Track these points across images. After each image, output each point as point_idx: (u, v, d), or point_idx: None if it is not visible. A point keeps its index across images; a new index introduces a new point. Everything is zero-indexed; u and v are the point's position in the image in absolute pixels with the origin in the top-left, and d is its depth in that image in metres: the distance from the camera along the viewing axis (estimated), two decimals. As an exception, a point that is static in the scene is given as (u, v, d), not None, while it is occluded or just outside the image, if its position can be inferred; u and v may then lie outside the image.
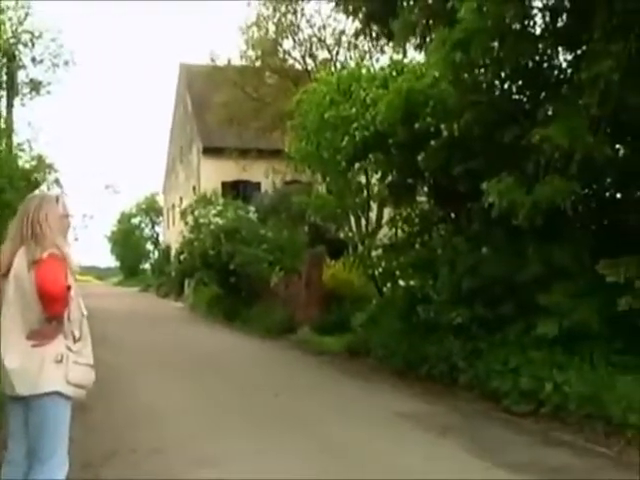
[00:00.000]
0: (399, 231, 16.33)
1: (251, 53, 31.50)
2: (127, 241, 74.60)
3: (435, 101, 13.04)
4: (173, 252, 42.74)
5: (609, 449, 9.17)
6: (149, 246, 74.64)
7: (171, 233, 50.77)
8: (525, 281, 11.89)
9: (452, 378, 13.00)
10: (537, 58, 12.57)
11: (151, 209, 73.30)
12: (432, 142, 13.56)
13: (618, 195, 12.72)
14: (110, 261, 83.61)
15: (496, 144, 12.73)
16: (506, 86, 13.21)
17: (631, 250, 10.42)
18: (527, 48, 12.02)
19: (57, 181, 18.10)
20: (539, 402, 10.83)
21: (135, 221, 75.71)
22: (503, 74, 12.84)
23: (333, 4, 20.59)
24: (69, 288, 5.06)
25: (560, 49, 12.64)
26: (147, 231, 75.65)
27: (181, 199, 47.53)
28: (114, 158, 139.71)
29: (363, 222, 18.78)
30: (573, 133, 10.53)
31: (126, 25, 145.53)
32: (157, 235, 73.36)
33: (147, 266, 72.03)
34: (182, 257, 30.98)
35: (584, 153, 10.60)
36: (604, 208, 12.52)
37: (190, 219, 30.18)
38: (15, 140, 17.04)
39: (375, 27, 17.95)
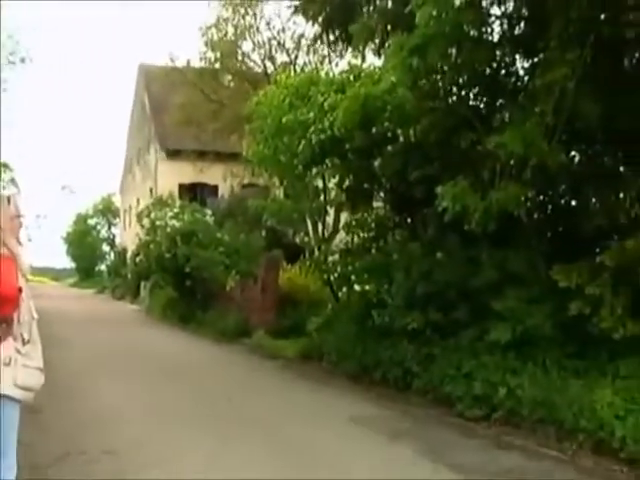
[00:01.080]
0: (355, 236, 16.34)
1: (210, 55, 31.33)
2: (83, 242, 73.82)
3: (392, 106, 13.08)
4: (129, 254, 42.39)
5: (562, 453, 9.27)
6: (105, 248, 73.89)
7: (128, 235, 50.36)
8: (479, 286, 11.98)
9: (406, 383, 13.04)
10: (494, 65, 12.68)
11: (108, 210, 72.58)
12: (389, 147, 13.64)
13: (573, 202, 12.86)
14: (66, 262, 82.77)
15: (452, 150, 12.83)
16: (463, 92, 13.30)
17: (584, 256, 10.55)
18: (485, 55, 12.11)
19: (12, 180, 17.82)
20: (492, 407, 10.91)
21: (91, 222, 74.94)
22: (460, 80, 12.91)
23: (293, 8, 20.58)
24: (20, 290, 4.97)
25: (517, 56, 12.77)
26: (103, 232, 74.91)
27: (138, 200, 47.15)
28: (71, 158, 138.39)
29: (320, 227, 18.79)
30: (528, 140, 10.61)
31: (88, 25, 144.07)
32: (113, 237, 72.65)
33: (103, 268, 71.32)
34: (138, 259, 30.75)
35: (538, 160, 10.70)
36: (559, 215, 12.65)
37: (146, 221, 29.94)
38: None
39: (334, 32, 17.91)
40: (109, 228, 74.44)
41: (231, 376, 15.62)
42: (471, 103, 13.35)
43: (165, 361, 17.34)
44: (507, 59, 12.75)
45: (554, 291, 10.76)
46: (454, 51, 12.13)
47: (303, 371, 16.02)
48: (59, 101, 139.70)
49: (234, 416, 11.17)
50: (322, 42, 20.31)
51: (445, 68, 12.41)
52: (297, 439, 9.73)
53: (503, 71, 12.83)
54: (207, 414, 11.26)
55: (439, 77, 12.76)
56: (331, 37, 18.69)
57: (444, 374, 12.03)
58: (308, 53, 30.36)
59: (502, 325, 11.30)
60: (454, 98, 13.21)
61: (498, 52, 12.59)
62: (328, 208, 18.28)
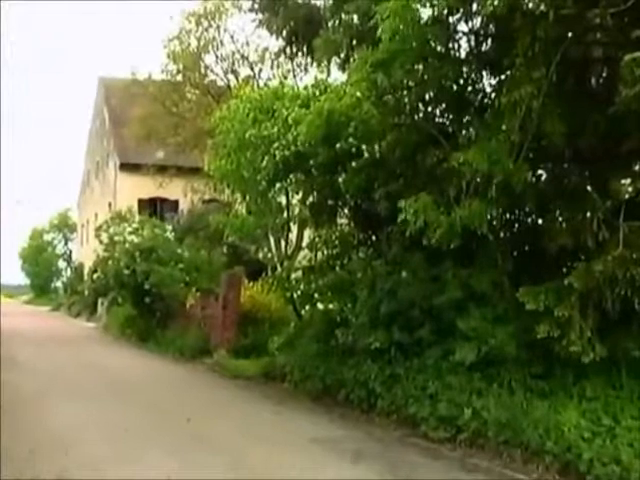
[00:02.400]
0: (319, 253, 16.32)
1: (172, 67, 31.25)
2: (38, 258, 73.03)
3: (357, 122, 13.08)
4: (87, 270, 41.92)
5: (527, 475, 9.28)
6: (61, 264, 73.21)
7: (85, 250, 49.88)
8: (443, 305, 11.99)
9: (370, 403, 13.00)
10: (461, 82, 12.71)
11: (64, 225, 71.93)
12: (353, 163, 13.61)
13: (539, 221, 12.94)
14: (21, 279, 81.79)
15: (417, 166, 12.86)
16: (429, 109, 13.31)
17: (550, 276, 10.59)
18: (451, 71, 12.13)
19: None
20: (457, 428, 10.92)
21: (47, 237, 74.18)
22: (426, 97, 12.92)
23: (257, 21, 20.59)
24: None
25: (484, 73, 12.81)
26: (60, 248, 74.23)
27: (96, 215, 46.77)
28: (26, 171, 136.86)
29: (283, 243, 18.73)
30: (493, 157, 10.64)
31: (45, 36, 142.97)
32: (70, 252, 71.98)
33: (59, 284, 70.60)
34: (96, 276, 30.44)
35: (503, 178, 10.73)
36: (525, 234, 12.71)
37: (105, 236, 29.68)
38: None
39: (298, 46, 17.94)
40: (65, 243, 73.83)
41: (191, 396, 15.45)
42: (437, 120, 13.38)
43: (123, 381, 17.13)
44: (474, 76, 12.80)
45: (519, 311, 10.79)
46: (420, 67, 12.17)
47: (264, 391, 15.92)
48: (14, 112, 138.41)
49: (193, 437, 11.03)
50: (286, 56, 20.37)
51: (411, 84, 12.43)
52: (257, 461, 9.64)
53: (470, 88, 12.88)
54: (166, 435, 11.13)
55: (404, 93, 12.78)
56: (295, 51, 18.76)
57: (408, 394, 12.02)
58: (272, 67, 30.42)
59: (467, 345, 11.32)
60: (420, 114, 13.24)
61: (465, 69, 12.64)
62: (291, 224, 18.25)
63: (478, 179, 10.97)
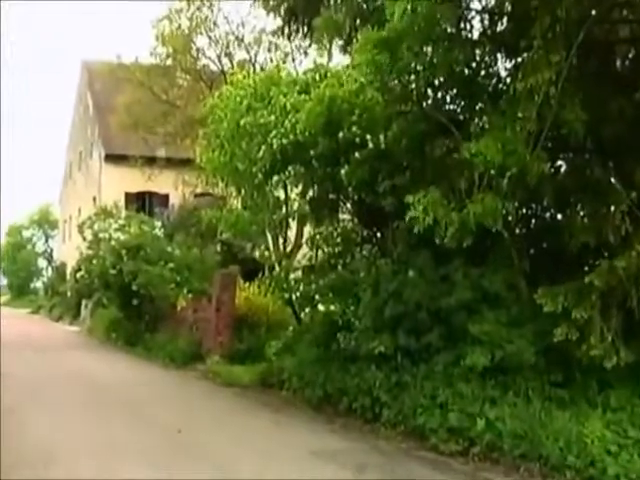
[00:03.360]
0: (319, 251, 16.31)
1: (161, 50, 31.17)
2: (16, 257, 73.03)
3: (360, 110, 13.07)
4: (69, 270, 41.94)
5: (546, 492, 9.27)
6: (42, 262, 73.24)
7: (67, 248, 49.91)
8: (453, 307, 11.98)
9: (374, 413, 12.98)
10: (473, 65, 12.70)
11: (45, 221, 71.97)
12: (356, 154, 13.56)
13: (558, 216, 12.91)
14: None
15: (425, 158, 12.85)
16: (439, 95, 13.32)
17: (570, 276, 10.55)
18: (463, 54, 12.11)
19: None
20: (470, 440, 10.89)
21: (26, 234, 74.20)
22: (436, 82, 12.93)
23: None
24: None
25: (499, 56, 12.78)
26: (40, 246, 74.28)
27: (79, 210, 46.79)
28: (4, 163, 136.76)
29: (281, 241, 18.69)
30: (508, 148, 10.65)
31: (24, 16, 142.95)
32: (51, 250, 72.07)
33: (39, 285, 70.63)
34: (79, 275, 30.45)
35: (519, 169, 10.72)
36: (542, 230, 12.70)
37: (89, 233, 29.69)
38: None
39: (297, 26, 17.93)
40: (46, 241, 73.91)
41: (182, 405, 15.45)
42: (447, 107, 13.40)
43: (108, 390, 17.11)
44: (487, 59, 12.79)
45: (536, 313, 10.79)
46: (429, 49, 12.15)
47: (261, 400, 15.92)
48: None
49: (184, 450, 11.03)
50: (284, 37, 20.33)
51: (419, 68, 12.41)
52: (252, 475, 9.63)
53: (483, 72, 12.87)
54: (154, 448, 11.11)
55: (412, 78, 12.77)
56: (294, 31, 18.73)
57: (416, 404, 12.00)
58: (269, 50, 30.42)
59: (479, 350, 11.31)
60: (428, 101, 13.24)
61: (477, 51, 12.63)
62: (290, 220, 18.18)
63: (492, 171, 10.96)
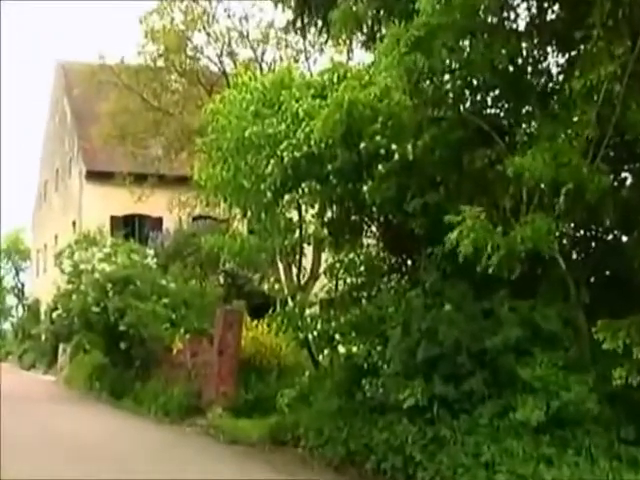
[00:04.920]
0: (340, 283, 16.39)
1: (151, 48, 31.48)
2: (-19, 293, 73.29)
3: (386, 116, 13.16)
4: (44, 308, 42.06)
5: None
6: (10, 300, 73.38)
7: (42, 283, 50.02)
8: (499, 348, 12.00)
9: (407, 474, 12.96)
10: (519, 61, 12.75)
11: (14, 251, 72.22)
12: (381, 168, 13.66)
13: (623, 238, 12.89)
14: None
15: (463, 171, 12.90)
16: (478, 97, 13.41)
17: (637, 308, 10.53)
18: (506, 48, 12.17)
19: None
20: (521, 506, 10.89)
21: (-7, 267, 74.50)
22: (475, 82, 13.03)
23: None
24: None
25: (549, 50, 12.82)
26: (9, 280, 74.44)
27: (56, 238, 46.99)
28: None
29: (294, 270, 18.80)
30: (561, 158, 10.68)
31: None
32: (22, 286, 72.18)
33: (7, 326, 70.78)
34: (56, 315, 30.44)
35: (576, 184, 10.73)
36: (604, 255, 12.69)
37: (67, 264, 29.76)
38: None
39: (311, 19, 18.10)
40: (16, 274, 74.01)
41: (177, 470, 15.41)
42: (488, 111, 13.47)
43: (89, 455, 16.84)
44: (536, 53, 12.83)
45: (600, 354, 10.79)
46: (466, 44, 12.25)
47: (271, 461, 15.90)
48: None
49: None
50: (295, 32, 20.52)
51: (454, 66, 12.53)
52: None
53: (530, 69, 12.93)
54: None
55: (446, 78, 12.88)
56: (307, 25, 18.89)
57: (457, 463, 11.98)
58: (278, 47, 30.64)
59: (531, 399, 11.31)
60: (466, 105, 13.33)
61: (524, 44, 12.67)
62: (305, 246, 18.31)
63: (543, 187, 11.00)
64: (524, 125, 12.74)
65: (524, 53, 12.71)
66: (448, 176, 13.23)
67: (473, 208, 11.10)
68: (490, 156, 12.32)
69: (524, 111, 13.02)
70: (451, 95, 13.04)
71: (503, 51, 12.11)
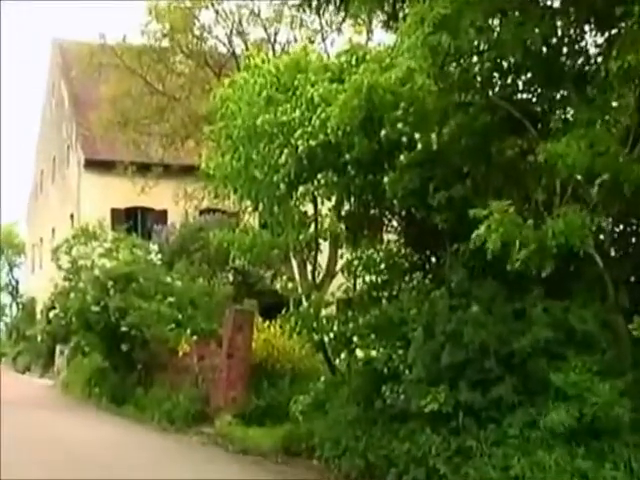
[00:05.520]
0: (358, 281, 16.40)
1: (155, 27, 31.45)
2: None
3: (408, 101, 13.18)
4: (40, 307, 42.15)
5: None
6: (4, 298, 73.59)
7: (38, 280, 50.18)
8: (529, 351, 12.00)
9: (431, 487, 13.02)
10: (554, 41, 12.70)
11: (8, 245, 72.42)
12: (403, 158, 13.67)
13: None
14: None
15: (492, 161, 12.90)
16: (508, 81, 13.39)
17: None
18: (539, 27, 12.12)
19: None
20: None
21: (-16, 262, 74.75)
22: (505, 64, 13.01)
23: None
24: None
25: (587, 28, 12.75)
26: (2, 276, 74.66)
27: (53, 231, 47.11)
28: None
29: (309, 268, 18.81)
30: (597, 147, 10.66)
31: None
32: (16, 282, 72.40)
33: (1, 327, 70.98)
34: (52, 314, 30.57)
35: (613, 174, 10.71)
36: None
37: (65, 260, 29.83)
38: None
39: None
40: (10, 270, 74.22)
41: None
42: (519, 96, 13.45)
43: (88, 466, 16.88)
44: (572, 32, 12.77)
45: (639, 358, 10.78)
46: (496, 23, 12.23)
47: (284, 472, 15.93)
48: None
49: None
50: (311, 11, 20.53)
51: (483, 47, 12.51)
52: None
53: (566, 50, 12.87)
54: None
55: (475, 60, 12.87)
56: (324, 3, 18.90)
57: (484, 476, 11.98)
58: (293, 27, 30.60)
59: (563, 407, 11.31)
60: (495, 89, 13.32)
61: (559, 23, 12.61)
62: (321, 242, 18.33)
63: (578, 178, 10.99)
64: (558, 111, 12.71)
65: (559, 32, 12.64)
66: (475, 167, 13.22)
67: (502, 202, 11.07)
68: (521, 145, 12.32)
69: (558, 96, 12.98)
70: (479, 79, 13.03)
71: (536, 30, 12.03)
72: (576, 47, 12.83)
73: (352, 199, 15.77)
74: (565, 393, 11.41)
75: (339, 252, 19.75)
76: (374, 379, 14.88)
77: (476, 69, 12.96)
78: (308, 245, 17.94)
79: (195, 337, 24.51)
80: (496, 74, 13.17)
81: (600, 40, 12.66)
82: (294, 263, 19.07)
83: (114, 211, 38.97)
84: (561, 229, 10.64)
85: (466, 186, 13.00)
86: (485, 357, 12.45)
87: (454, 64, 12.76)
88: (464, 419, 12.75)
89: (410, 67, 12.57)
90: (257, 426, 19.64)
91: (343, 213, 16.31)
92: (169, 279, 27.19)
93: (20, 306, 60.65)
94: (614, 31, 12.05)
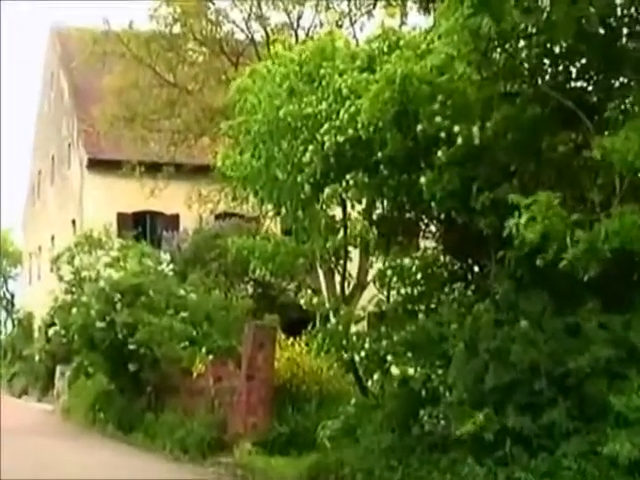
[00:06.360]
0: (392, 293, 16.39)
1: (165, 11, 31.51)
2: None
3: (446, 92, 13.19)
4: (38, 323, 42.29)
5: None
6: (-2, 313, 73.93)
7: (35, 293, 50.31)
8: (586, 371, 11.98)
9: (474, 526, 13.01)
10: (612, 22, 12.65)
11: (2, 254, 72.71)
12: (441, 155, 13.64)
13: None
14: None
15: (542, 158, 12.87)
16: (560, 68, 13.36)
17: None
18: (596, 6, 12.04)
19: None
20: None
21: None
22: (556, 49, 12.97)
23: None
24: None
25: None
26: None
27: (52, 239, 47.26)
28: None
29: (337, 279, 18.82)
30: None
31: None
32: (11, 296, 72.72)
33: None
34: (52, 331, 30.66)
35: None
36: None
37: (67, 271, 29.96)
38: None
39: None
40: (5, 283, 74.54)
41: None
42: (572, 84, 13.42)
43: None
44: (633, 11, 12.71)
45: None
46: (546, 2, 12.19)
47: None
48: None
49: None
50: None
51: (531, 30, 12.48)
52: None
53: (625, 31, 12.82)
54: None
55: (522, 45, 12.84)
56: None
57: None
58: (317, 10, 30.61)
59: (626, 434, 11.26)
60: (545, 77, 13.29)
61: (618, 1, 12.55)
62: (350, 250, 18.33)
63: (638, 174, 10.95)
64: (616, 101, 12.63)
65: (618, 11, 12.59)
66: (523, 164, 13.19)
67: (550, 193, 11.01)
68: (575, 139, 12.29)
69: (617, 83, 12.95)
70: (527, 65, 13.01)
71: (592, 10, 12.02)
72: (637, 28, 12.78)
73: (385, 201, 15.79)
74: (627, 418, 11.38)
75: (370, 261, 19.72)
76: (411, 402, 14.89)
77: (523, 55, 12.93)
78: (336, 253, 17.93)
79: (211, 356, 24.53)
80: (546, 60, 13.15)
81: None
82: (320, 273, 19.07)
83: (120, 216, 39.06)
84: (616, 229, 10.60)
85: (513, 186, 12.94)
86: (535, 378, 12.43)
87: (498, 50, 12.74)
88: (512, 447, 12.72)
89: (449, 54, 12.56)
90: (280, 455, 19.62)
91: (375, 217, 16.32)
92: (182, 292, 27.22)
93: (16, 322, 60.75)
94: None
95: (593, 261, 10.80)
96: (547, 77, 13.24)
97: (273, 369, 21.75)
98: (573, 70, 13.38)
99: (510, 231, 11.07)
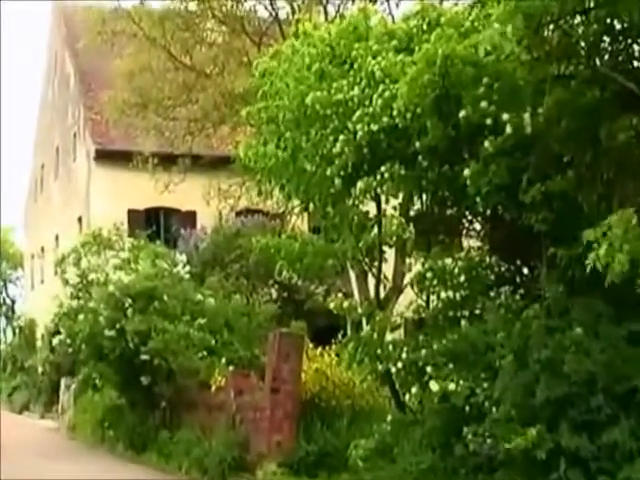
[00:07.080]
0: (432, 297, 16.35)
1: (180, -14, 31.62)
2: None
3: (493, 75, 13.14)
4: (41, 331, 42.44)
5: None
6: (-3, 320, 74.29)
7: (38, 298, 50.54)
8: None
9: None
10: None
11: (2, 256, 73.05)
12: (488, 145, 13.59)
13: None
14: None
15: (600, 147, 12.80)
16: (621, 46, 13.30)
17: None
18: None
19: None
20: None
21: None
22: (617, 25, 12.91)
23: None
24: None
25: None
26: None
27: (57, 238, 47.43)
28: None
29: (371, 281, 18.80)
30: None
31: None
32: (12, 302, 73.08)
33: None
34: (57, 340, 30.74)
35: None
36: None
37: (73, 273, 30.06)
38: None
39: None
40: (4, 287, 74.91)
41: None
42: (635, 64, 13.34)
43: None
44: None
45: None
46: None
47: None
48: None
49: None
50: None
51: (589, 4, 12.42)
52: None
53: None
54: None
55: (578, 21, 12.79)
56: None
57: None
58: (349, -16, 30.59)
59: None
60: (605, 57, 13.23)
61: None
62: (385, 249, 18.30)
63: None
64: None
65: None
66: (579, 154, 13.12)
67: (623, 211, 10.90)
68: (637, 126, 12.20)
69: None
70: (584, 44, 12.94)
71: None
72: None
73: (424, 196, 15.76)
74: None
75: (407, 262, 19.68)
76: (453, 419, 14.84)
77: (580, 32, 12.85)
78: (369, 253, 17.88)
79: (231, 367, 24.57)
80: (606, 38, 13.07)
81: None
82: (352, 276, 19.02)
83: (131, 213, 39.17)
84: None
85: (568, 179, 12.89)
86: (592, 392, 12.37)
87: (551, 26, 12.68)
88: (567, 470, 12.62)
89: (497, 31, 12.42)
90: (308, 477, 19.67)
91: (412, 213, 16.30)
92: (199, 296, 27.27)
93: (17, 330, 60.94)
94: None
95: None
96: (606, 57, 13.16)
97: (300, 382, 21.75)
98: (636, 49, 13.30)
99: (593, 264, 10.91)
